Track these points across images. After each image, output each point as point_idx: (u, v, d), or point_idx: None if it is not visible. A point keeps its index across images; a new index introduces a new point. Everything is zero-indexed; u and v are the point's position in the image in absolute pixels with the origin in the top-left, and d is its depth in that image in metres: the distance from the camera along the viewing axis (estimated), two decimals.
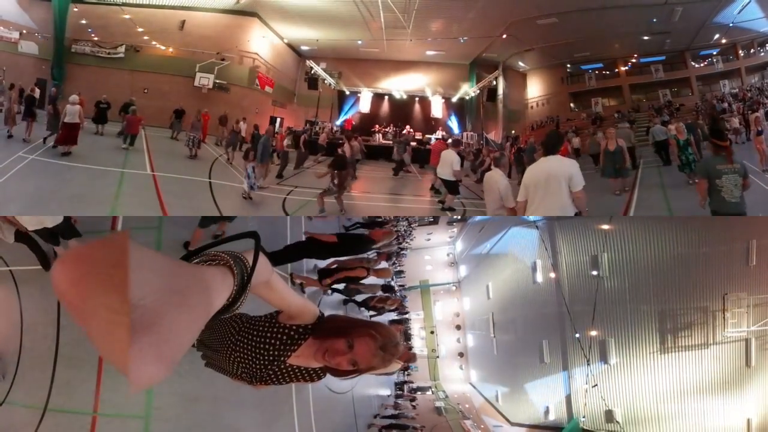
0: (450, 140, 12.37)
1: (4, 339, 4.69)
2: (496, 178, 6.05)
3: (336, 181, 8.32)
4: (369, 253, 12.37)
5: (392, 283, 14.83)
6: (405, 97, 16.87)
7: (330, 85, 16.52)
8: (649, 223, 10.49)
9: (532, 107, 16.97)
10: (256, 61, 14.76)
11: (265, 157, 10.08)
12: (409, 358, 6.59)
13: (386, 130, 16.86)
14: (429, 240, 22.08)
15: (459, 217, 12.77)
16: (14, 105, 10.84)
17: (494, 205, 6.02)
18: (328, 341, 1.65)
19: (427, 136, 16.31)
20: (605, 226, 10.87)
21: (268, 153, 10.41)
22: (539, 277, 12.62)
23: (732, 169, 4.91)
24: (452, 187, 8.87)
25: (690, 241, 10.39)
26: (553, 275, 12.02)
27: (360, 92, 16.88)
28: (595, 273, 11.23)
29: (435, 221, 18.74)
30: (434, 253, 22.97)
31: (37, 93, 12.27)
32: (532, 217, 11.92)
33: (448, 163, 8.67)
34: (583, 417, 11.52)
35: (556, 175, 4.63)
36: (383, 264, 8.45)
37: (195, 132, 11.53)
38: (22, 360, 4.64)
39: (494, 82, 15.75)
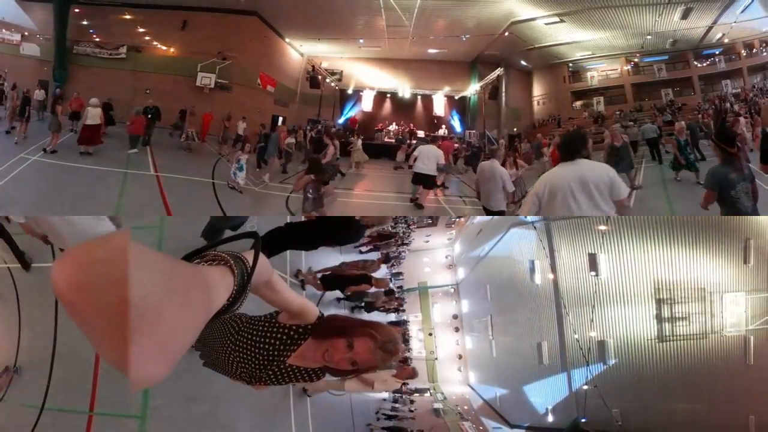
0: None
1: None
2: (495, 166, 6.84)
3: (311, 191, 7.20)
4: (368, 256, 12.48)
5: (392, 287, 14.87)
6: (407, 95, 16.86)
7: (332, 83, 16.52)
8: (647, 223, 10.48)
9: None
10: (258, 61, 14.76)
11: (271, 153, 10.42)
12: (411, 375, 6.66)
13: (389, 129, 16.87)
14: (427, 242, 22.04)
15: (458, 217, 12.79)
16: (16, 103, 11.12)
17: (495, 192, 6.72)
18: (328, 341, 1.66)
19: (433, 134, 16.29)
20: (603, 227, 10.86)
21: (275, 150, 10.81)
22: (537, 278, 12.59)
23: (743, 176, 4.40)
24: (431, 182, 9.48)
25: (688, 241, 10.39)
26: (551, 276, 12.00)
27: (362, 91, 16.86)
28: (593, 274, 11.21)
29: (434, 222, 18.70)
30: (433, 255, 22.94)
31: (35, 95, 12.31)
32: (530, 218, 11.91)
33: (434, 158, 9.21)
34: (583, 418, 11.50)
35: (592, 182, 3.60)
36: (382, 271, 8.44)
37: (191, 128, 12.36)
38: (19, 358, 4.64)
39: (497, 80, 15.77)
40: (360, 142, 13.17)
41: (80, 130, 10.05)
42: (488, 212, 7.22)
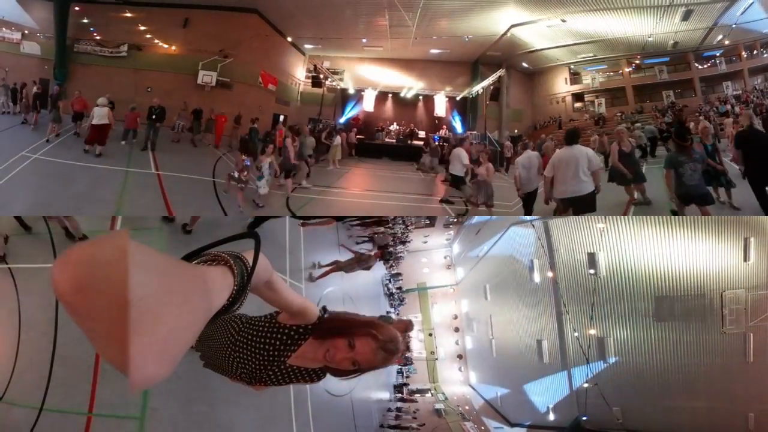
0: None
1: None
2: (530, 153, 8.20)
3: (238, 169, 8.06)
4: (363, 248, 12.55)
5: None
6: (408, 95, 16.87)
7: (333, 83, 16.52)
8: (645, 221, 10.49)
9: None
10: (259, 59, 14.76)
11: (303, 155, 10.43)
12: (407, 327, 6.66)
13: (390, 129, 16.88)
14: (426, 242, 22.04)
15: (456, 217, 12.80)
16: (29, 100, 12.15)
17: (534, 174, 7.97)
18: (329, 341, 1.65)
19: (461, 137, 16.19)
20: (601, 225, 10.88)
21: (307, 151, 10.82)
22: (536, 277, 12.60)
23: (691, 159, 6.13)
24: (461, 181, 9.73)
25: (687, 239, 10.40)
26: (550, 275, 12.01)
27: (363, 90, 16.87)
28: (592, 272, 11.22)
29: (432, 223, 18.72)
30: (431, 256, 22.95)
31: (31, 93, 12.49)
32: (528, 218, 11.92)
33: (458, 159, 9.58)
34: (584, 416, 11.51)
35: (579, 157, 6.25)
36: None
37: (182, 120, 12.81)
38: (19, 358, 4.64)
39: (498, 81, 15.76)
40: (338, 139, 13.16)
41: (88, 129, 10.12)
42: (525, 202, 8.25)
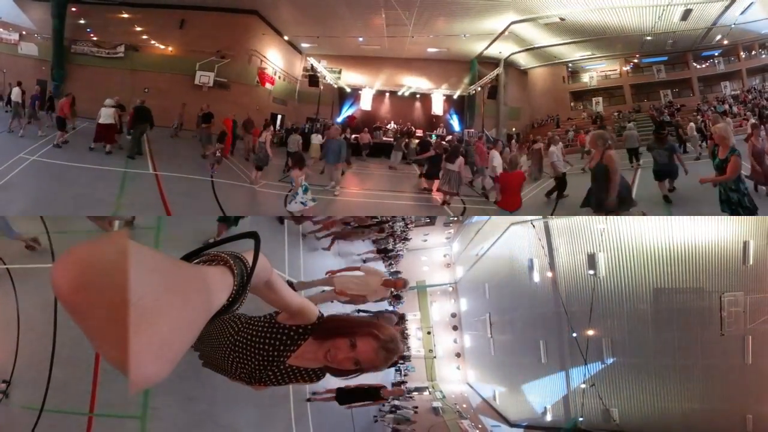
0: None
1: None
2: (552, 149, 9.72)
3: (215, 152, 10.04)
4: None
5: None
6: (406, 94, 16.85)
7: (331, 82, 16.51)
8: (645, 222, 10.50)
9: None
10: (257, 59, 14.74)
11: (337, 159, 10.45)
12: (402, 284, 6.73)
13: (387, 127, 16.87)
14: (426, 241, 22.02)
15: (456, 216, 12.78)
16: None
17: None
18: (330, 341, 1.65)
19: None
20: (601, 226, 10.89)
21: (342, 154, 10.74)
22: (536, 277, 12.61)
23: (663, 148, 8.09)
24: None
25: (687, 241, 10.41)
26: (549, 275, 12.02)
27: (361, 89, 16.85)
28: (591, 272, 11.23)
29: (432, 222, 18.70)
30: (431, 254, 22.91)
31: (12, 94, 12.37)
32: (528, 217, 11.93)
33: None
34: (581, 417, 11.52)
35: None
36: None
37: (178, 120, 13.22)
38: (18, 359, 4.63)
39: (496, 80, 15.76)
40: (318, 137, 13.13)
41: (95, 128, 10.42)
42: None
